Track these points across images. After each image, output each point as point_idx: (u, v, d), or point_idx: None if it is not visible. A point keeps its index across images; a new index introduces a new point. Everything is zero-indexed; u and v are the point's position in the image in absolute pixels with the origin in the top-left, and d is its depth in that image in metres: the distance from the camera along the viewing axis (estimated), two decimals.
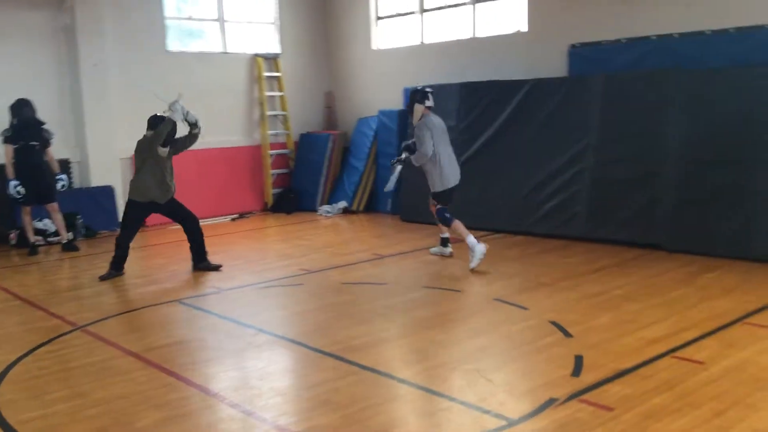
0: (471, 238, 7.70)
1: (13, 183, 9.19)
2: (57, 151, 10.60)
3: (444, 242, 8.50)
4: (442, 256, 8.44)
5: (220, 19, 12.50)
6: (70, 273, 8.51)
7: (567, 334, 5.47)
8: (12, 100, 10.13)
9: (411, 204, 10.95)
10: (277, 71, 12.88)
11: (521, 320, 5.88)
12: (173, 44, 12.00)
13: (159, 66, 11.60)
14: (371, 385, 4.64)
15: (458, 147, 10.31)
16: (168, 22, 11.88)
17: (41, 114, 10.22)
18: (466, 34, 11.39)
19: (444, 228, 8.36)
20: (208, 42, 12.50)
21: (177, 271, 8.26)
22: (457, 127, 10.40)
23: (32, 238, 9.57)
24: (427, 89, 8.21)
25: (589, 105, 9.08)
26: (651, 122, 8.54)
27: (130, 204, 7.96)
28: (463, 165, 10.17)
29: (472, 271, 7.55)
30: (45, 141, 9.42)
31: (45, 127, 9.48)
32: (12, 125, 9.32)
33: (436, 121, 8.12)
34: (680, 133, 8.24)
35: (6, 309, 6.84)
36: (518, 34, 10.67)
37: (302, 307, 6.63)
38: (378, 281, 7.36)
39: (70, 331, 5.98)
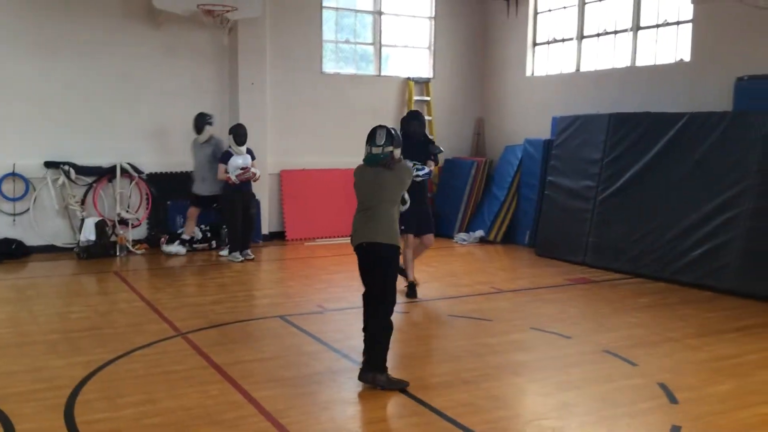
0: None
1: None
2: None
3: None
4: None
5: (376, 43, 12.70)
6: (200, 280, 8.88)
7: (673, 399, 4.84)
8: (176, 111, 10.85)
9: (547, 238, 10.41)
10: (428, 95, 12.84)
11: (624, 378, 5.29)
12: (329, 66, 12.35)
13: (314, 86, 11.99)
14: (430, 429, 4.35)
15: (602, 182, 9.70)
16: (325, 45, 12.26)
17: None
18: (623, 63, 10.70)
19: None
20: (362, 65, 12.75)
21: (293, 286, 8.40)
22: (601, 161, 9.75)
23: (411, 275, 7.92)
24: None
25: (751, 144, 8.13)
26: None
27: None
28: (605, 201, 9.62)
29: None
30: (429, 158, 7.94)
31: (434, 143, 8.19)
32: None
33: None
34: None
35: (127, 309, 7.25)
36: (680, 63, 9.85)
37: (396, 336, 6.36)
38: (485, 317, 6.98)
39: (172, 337, 6.20)
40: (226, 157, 9.93)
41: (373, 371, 4.94)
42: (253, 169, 9.99)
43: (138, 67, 10.69)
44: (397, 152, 5.32)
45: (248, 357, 5.68)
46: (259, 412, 4.54)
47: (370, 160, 5.28)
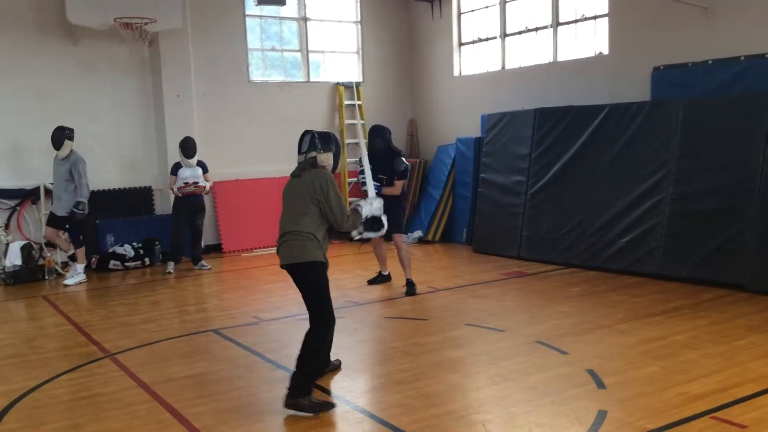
0: None
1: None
2: (140, 179, 11.08)
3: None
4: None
5: (303, 50, 12.64)
6: (133, 299, 8.66)
7: (601, 385, 4.93)
8: (100, 127, 10.59)
9: (483, 235, 10.53)
10: (358, 99, 12.84)
11: (555, 367, 5.37)
12: (256, 74, 12.23)
13: (242, 96, 11.86)
14: None
15: (532, 176, 9.86)
16: (251, 53, 12.12)
17: (123, 141, 10.70)
18: (546, 59, 10.90)
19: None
20: (292, 72, 12.67)
21: (229, 299, 8.29)
22: (530, 156, 9.91)
23: (385, 270, 8.60)
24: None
25: (669, 132, 8.38)
26: (738, 151, 7.74)
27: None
28: (535, 195, 9.76)
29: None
30: (393, 174, 8.01)
31: (400, 157, 8.07)
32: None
33: None
34: None
35: (55, 333, 7.03)
36: (599, 56, 10.09)
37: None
38: (421, 316, 7.02)
39: (100, 359, 6.03)
40: (175, 168, 9.94)
41: (295, 397, 4.57)
42: (201, 182, 9.94)
43: (57, 85, 10.39)
44: (324, 157, 4.89)
45: (179, 374, 5.56)
46: (188, 430, 4.44)
47: (294, 171, 4.96)
